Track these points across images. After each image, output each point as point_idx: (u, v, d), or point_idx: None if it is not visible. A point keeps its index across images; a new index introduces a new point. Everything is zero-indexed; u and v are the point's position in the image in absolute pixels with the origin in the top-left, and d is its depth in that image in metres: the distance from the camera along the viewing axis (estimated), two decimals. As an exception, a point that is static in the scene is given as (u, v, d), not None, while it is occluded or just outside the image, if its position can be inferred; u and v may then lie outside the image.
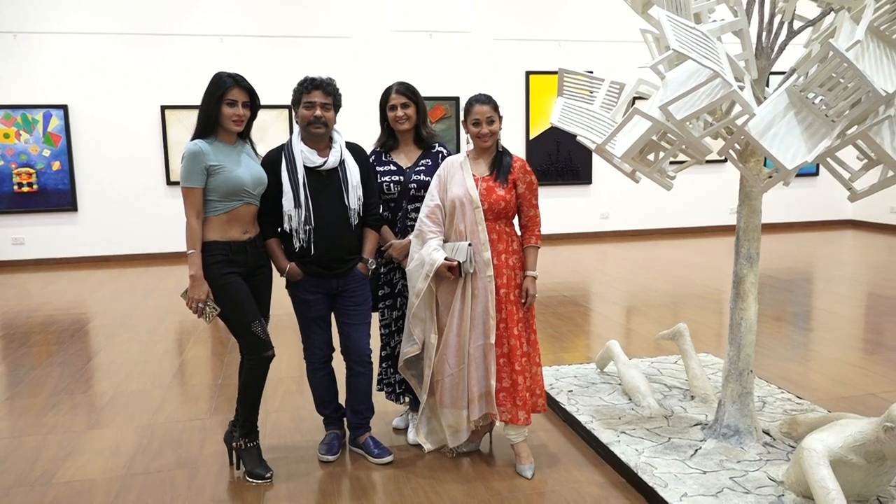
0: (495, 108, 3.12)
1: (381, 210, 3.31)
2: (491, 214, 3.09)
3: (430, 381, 3.18)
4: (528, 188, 3.16)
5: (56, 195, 8.77)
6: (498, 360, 3.09)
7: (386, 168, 3.34)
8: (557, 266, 8.17)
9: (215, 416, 3.84)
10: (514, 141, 9.86)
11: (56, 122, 8.66)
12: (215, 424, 3.71)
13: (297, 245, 3.08)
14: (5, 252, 8.76)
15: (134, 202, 9.00)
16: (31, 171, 8.66)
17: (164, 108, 8.86)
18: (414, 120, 3.32)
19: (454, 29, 9.61)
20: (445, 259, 3.03)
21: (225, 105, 2.88)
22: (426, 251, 3.08)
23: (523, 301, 3.12)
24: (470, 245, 3.05)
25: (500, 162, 3.15)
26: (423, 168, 3.33)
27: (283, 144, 3.14)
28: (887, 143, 2.60)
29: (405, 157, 3.39)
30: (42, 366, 4.81)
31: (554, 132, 9.72)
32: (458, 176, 3.14)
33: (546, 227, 11.41)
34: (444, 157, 3.35)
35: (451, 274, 3.04)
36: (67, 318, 6.15)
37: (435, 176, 3.20)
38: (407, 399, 3.52)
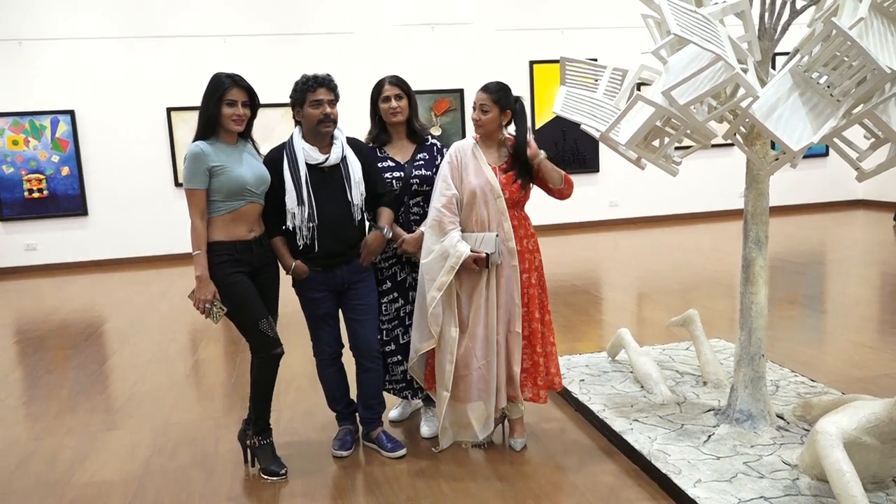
0: (496, 100, 3.08)
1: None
2: (511, 202, 3.11)
3: (452, 377, 3.12)
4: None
5: (66, 200, 8.84)
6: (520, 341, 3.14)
7: (384, 165, 3.32)
8: (567, 255, 8.15)
9: (229, 414, 3.87)
10: (519, 131, 9.82)
11: (64, 128, 8.72)
12: (229, 423, 3.73)
13: (300, 242, 3.09)
14: (18, 258, 8.84)
15: (143, 205, 9.05)
16: (41, 177, 8.72)
17: (169, 109, 8.90)
18: (406, 112, 3.30)
19: (456, 21, 9.58)
20: (471, 251, 3.02)
21: (224, 105, 2.89)
22: (450, 243, 3.03)
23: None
24: (497, 236, 3.05)
25: (517, 153, 3.12)
26: (422, 162, 3.32)
27: (285, 143, 3.14)
28: (894, 121, 2.57)
29: (400, 153, 3.36)
30: (58, 369, 4.85)
31: (559, 121, 9.66)
32: (473, 164, 3.12)
33: (555, 217, 11.29)
34: (438, 150, 3.37)
35: (477, 266, 3.03)
36: (81, 321, 6.21)
37: (445, 164, 3.16)
38: (421, 395, 3.49)
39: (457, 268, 3.02)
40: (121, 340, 5.52)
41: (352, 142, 3.21)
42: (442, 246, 3.05)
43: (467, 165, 3.12)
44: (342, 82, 3.18)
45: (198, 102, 2.99)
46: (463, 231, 3.10)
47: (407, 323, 3.37)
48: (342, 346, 3.31)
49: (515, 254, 3.09)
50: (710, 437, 3.12)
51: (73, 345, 5.44)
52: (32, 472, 3.29)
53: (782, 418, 3.25)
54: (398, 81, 3.30)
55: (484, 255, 3.01)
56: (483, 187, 3.08)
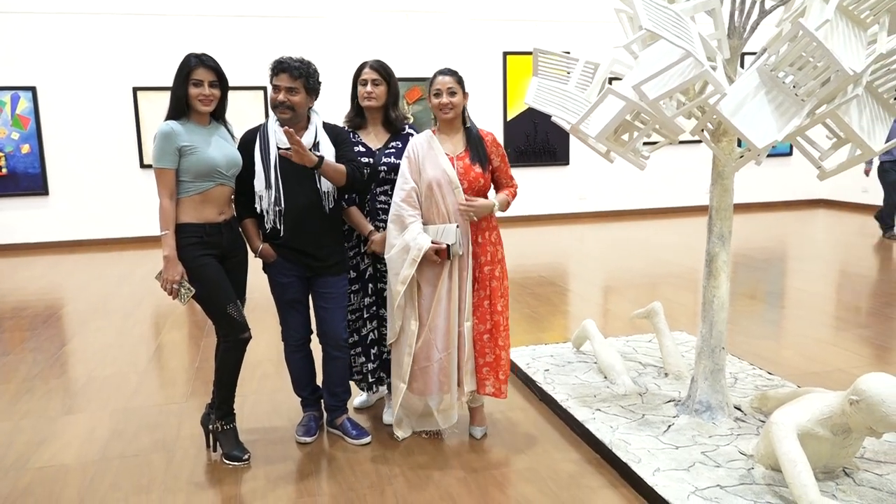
0: (458, 80, 3.06)
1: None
2: (471, 192, 3.08)
3: (410, 369, 3.13)
4: (503, 160, 3.20)
5: (26, 179, 8.60)
6: (482, 335, 3.14)
7: (356, 150, 3.27)
8: (535, 247, 8.20)
9: (192, 399, 3.82)
10: (491, 122, 9.84)
11: (25, 105, 8.48)
12: (192, 408, 3.69)
13: (267, 226, 3.07)
14: (-25, 237, 8.59)
15: (106, 185, 8.85)
16: (0, 154, 8.48)
17: (136, 89, 8.71)
18: (382, 99, 3.25)
19: (430, 9, 9.53)
20: (432, 242, 3.01)
21: (191, 85, 2.85)
22: (410, 236, 3.01)
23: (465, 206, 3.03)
24: (458, 227, 3.04)
25: (472, 140, 3.12)
26: (394, 150, 3.27)
27: (261, 125, 3.11)
28: (855, 122, 2.64)
29: (374, 139, 3.33)
30: (15, 351, 4.74)
31: (531, 113, 9.71)
32: (431, 156, 3.08)
33: (523, 208, 11.33)
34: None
35: (438, 257, 3.02)
36: (40, 303, 6.07)
37: (404, 158, 3.13)
38: (381, 388, 3.48)
39: (418, 260, 2.99)
40: (81, 323, 5.41)
41: (329, 127, 3.16)
42: (403, 240, 3.03)
43: (425, 158, 3.08)
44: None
45: (166, 83, 2.95)
46: (426, 223, 3.08)
47: (366, 316, 3.36)
48: (311, 332, 3.29)
49: (471, 244, 3.11)
50: (669, 427, 3.18)
51: (31, 327, 5.32)
52: (-13, 456, 3.22)
53: (740, 410, 3.33)
54: (378, 67, 3.24)
55: (445, 246, 3.01)
56: (440, 179, 3.04)
